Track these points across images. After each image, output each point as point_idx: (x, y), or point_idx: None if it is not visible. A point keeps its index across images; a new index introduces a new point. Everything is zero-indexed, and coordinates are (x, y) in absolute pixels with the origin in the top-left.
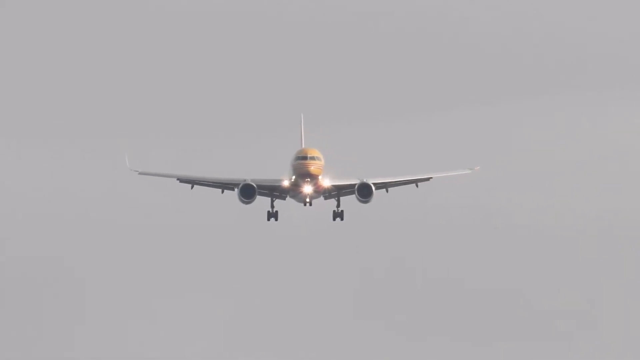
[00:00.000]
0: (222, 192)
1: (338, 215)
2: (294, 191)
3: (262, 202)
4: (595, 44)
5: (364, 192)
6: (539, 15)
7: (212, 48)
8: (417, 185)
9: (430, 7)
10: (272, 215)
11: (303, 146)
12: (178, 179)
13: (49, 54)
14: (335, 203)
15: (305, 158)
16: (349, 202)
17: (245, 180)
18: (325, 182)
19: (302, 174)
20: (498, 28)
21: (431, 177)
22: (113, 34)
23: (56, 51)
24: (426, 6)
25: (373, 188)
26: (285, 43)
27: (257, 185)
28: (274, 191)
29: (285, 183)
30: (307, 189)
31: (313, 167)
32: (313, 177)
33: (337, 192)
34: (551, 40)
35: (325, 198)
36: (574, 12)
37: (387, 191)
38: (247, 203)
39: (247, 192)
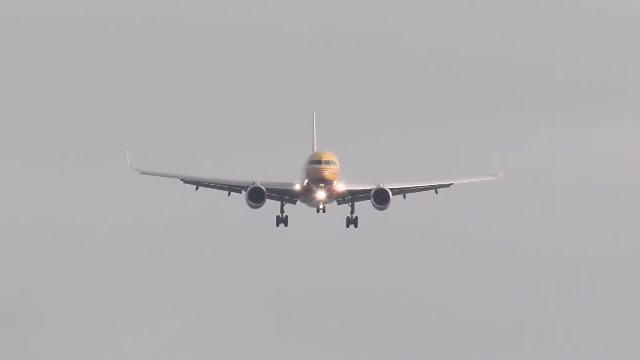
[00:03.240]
0: (229, 194)
1: (352, 222)
2: (305, 196)
3: (271, 206)
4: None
5: (380, 198)
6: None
7: (221, 45)
8: (436, 192)
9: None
10: (282, 220)
11: (315, 145)
12: (182, 180)
13: (49, 50)
14: (349, 209)
15: (319, 162)
16: (364, 208)
17: (254, 183)
18: (340, 187)
19: (316, 178)
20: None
21: (451, 184)
22: (119, 31)
23: (59, 48)
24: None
25: (390, 194)
26: (298, 42)
27: (266, 188)
28: (284, 195)
29: (297, 187)
30: (321, 194)
31: (328, 172)
32: (327, 183)
33: (352, 197)
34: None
35: (339, 203)
36: None
37: (404, 197)
38: (255, 207)
39: (256, 196)
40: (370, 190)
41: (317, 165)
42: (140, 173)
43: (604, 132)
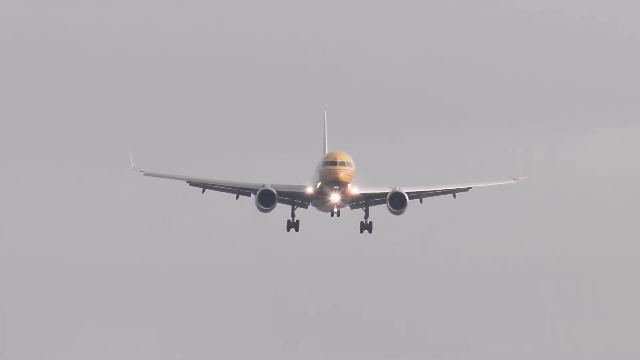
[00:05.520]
0: (237, 197)
1: (366, 227)
2: (318, 199)
3: (281, 210)
4: None
5: (396, 202)
6: None
7: (228, 47)
8: (454, 196)
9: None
10: (293, 225)
11: (326, 147)
12: (188, 182)
13: (55, 55)
14: (363, 213)
15: (334, 163)
16: (379, 213)
17: (264, 186)
18: (354, 190)
19: (331, 181)
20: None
21: (470, 187)
22: (126, 33)
23: (64, 52)
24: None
25: (407, 198)
26: (310, 39)
27: (277, 191)
28: (295, 198)
29: (309, 190)
30: (335, 197)
31: (343, 174)
32: (342, 185)
33: (366, 201)
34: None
35: (352, 207)
36: None
37: (421, 202)
38: (265, 211)
39: (267, 199)
40: (386, 194)
41: (332, 167)
42: (145, 175)
43: (629, 134)
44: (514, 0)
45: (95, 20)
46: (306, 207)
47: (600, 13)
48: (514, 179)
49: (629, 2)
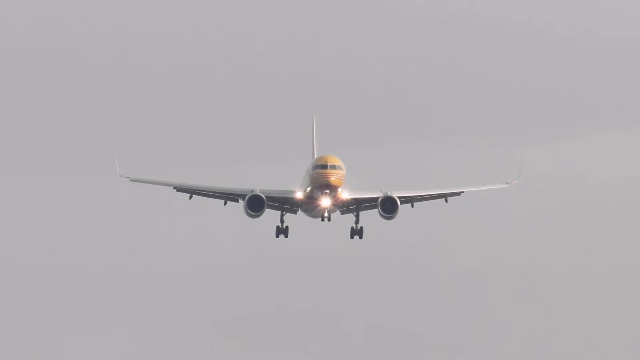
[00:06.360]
0: (225, 203)
1: (356, 232)
2: (308, 204)
3: (270, 216)
4: None
5: (387, 206)
6: None
7: (216, 51)
8: (446, 200)
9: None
10: (282, 231)
11: (315, 152)
12: (175, 188)
13: (41, 60)
14: (354, 219)
15: (325, 167)
16: (370, 218)
17: (252, 191)
18: (345, 195)
19: (321, 185)
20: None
21: (462, 192)
22: (114, 39)
23: (51, 58)
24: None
25: (398, 202)
26: (299, 45)
27: (266, 196)
28: (285, 204)
29: (299, 195)
30: (325, 202)
31: (334, 177)
32: (333, 189)
33: (357, 206)
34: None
35: (343, 212)
36: None
37: (412, 206)
38: (254, 217)
39: (256, 205)
40: (377, 198)
41: (323, 170)
42: (131, 181)
43: (625, 138)
44: (506, 9)
45: (83, 25)
46: (295, 213)
47: (594, 21)
48: (507, 182)
49: (624, 10)
